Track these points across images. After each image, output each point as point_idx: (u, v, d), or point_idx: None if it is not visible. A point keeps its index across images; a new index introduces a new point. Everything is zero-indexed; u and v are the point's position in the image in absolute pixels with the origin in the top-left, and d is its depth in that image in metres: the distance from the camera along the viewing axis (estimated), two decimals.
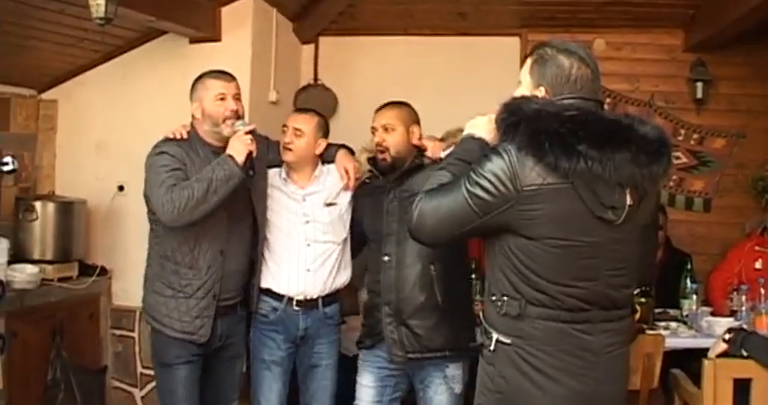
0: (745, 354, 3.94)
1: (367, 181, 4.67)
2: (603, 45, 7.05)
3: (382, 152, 4.36)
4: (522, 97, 2.90)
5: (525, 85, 2.99)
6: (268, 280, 4.56)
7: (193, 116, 4.31)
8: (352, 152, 4.80)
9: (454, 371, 4.31)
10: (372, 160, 4.49)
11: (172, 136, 4.27)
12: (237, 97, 4.31)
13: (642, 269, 3.12)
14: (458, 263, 4.35)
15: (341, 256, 4.64)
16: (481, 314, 3.06)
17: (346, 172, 4.62)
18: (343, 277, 4.68)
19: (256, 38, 6.32)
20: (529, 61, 3.01)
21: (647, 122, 2.87)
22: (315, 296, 4.56)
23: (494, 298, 2.89)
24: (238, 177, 4.06)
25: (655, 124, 2.89)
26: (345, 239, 4.67)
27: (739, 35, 6.50)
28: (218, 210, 4.10)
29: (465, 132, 3.08)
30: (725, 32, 6.47)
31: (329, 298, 4.62)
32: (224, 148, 4.17)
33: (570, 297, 2.80)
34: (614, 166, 2.70)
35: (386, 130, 4.36)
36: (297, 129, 4.56)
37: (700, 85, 7.04)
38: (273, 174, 4.65)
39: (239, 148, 4.11)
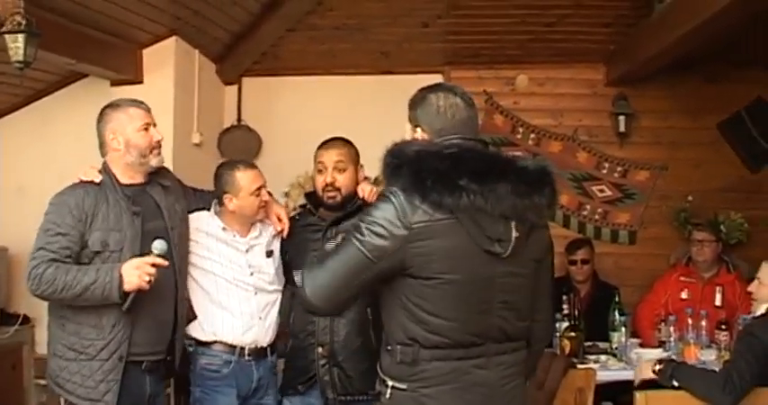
0: (676, 384, 3.97)
1: (297, 217, 4.49)
2: (526, 81, 7.10)
3: (333, 191, 4.21)
4: (403, 141, 2.95)
5: (408, 131, 3.10)
6: (216, 331, 4.28)
7: (112, 149, 3.90)
8: (270, 195, 4.53)
9: None
10: (310, 195, 4.39)
11: (86, 179, 3.84)
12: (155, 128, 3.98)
13: (541, 302, 3.09)
14: None
15: (278, 304, 4.48)
16: (378, 365, 3.09)
17: (279, 219, 4.42)
18: (277, 323, 4.48)
19: (179, 80, 6.30)
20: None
21: (530, 158, 3.01)
22: (265, 345, 4.37)
23: (389, 348, 2.94)
24: (112, 302, 3.66)
25: (540, 159, 3.05)
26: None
27: (659, 69, 6.63)
28: None
29: None
30: (645, 67, 6.60)
31: (272, 346, 4.44)
32: (144, 183, 3.88)
33: (464, 333, 2.82)
34: (496, 198, 2.74)
35: (338, 170, 4.22)
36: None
37: (622, 118, 7.14)
38: (208, 221, 4.34)
39: (133, 281, 3.62)
